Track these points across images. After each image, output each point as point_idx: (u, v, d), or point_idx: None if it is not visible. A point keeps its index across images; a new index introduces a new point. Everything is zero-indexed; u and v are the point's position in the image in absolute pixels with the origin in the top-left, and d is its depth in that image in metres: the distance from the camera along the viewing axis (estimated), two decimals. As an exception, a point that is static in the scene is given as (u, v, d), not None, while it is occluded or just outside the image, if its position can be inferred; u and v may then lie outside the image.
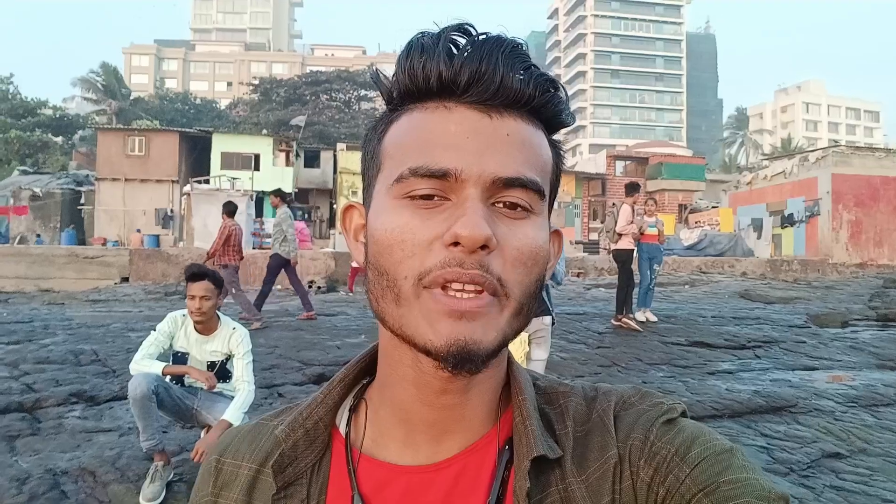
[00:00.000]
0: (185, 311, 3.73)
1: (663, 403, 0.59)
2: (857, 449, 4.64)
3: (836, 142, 55.72)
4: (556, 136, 0.62)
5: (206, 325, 3.70)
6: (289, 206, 9.88)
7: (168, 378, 3.61)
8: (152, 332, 3.74)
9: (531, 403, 0.60)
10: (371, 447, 0.61)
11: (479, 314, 0.52)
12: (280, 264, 9.49)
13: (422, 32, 0.57)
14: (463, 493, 0.57)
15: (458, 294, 0.52)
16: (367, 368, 0.66)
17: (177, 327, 3.72)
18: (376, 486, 0.59)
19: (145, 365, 3.56)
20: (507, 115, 0.56)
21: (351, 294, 15.98)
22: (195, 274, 3.67)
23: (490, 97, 0.55)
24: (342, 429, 0.63)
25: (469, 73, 0.54)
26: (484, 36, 0.56)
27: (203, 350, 3.72)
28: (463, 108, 0.55)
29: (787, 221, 25.71)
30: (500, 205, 0.55)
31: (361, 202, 0.64)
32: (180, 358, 3.73)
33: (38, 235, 29.45)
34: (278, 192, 9.74)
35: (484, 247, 0.51)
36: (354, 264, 16.77)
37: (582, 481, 0.56)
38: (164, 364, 3.63)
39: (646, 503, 0.55)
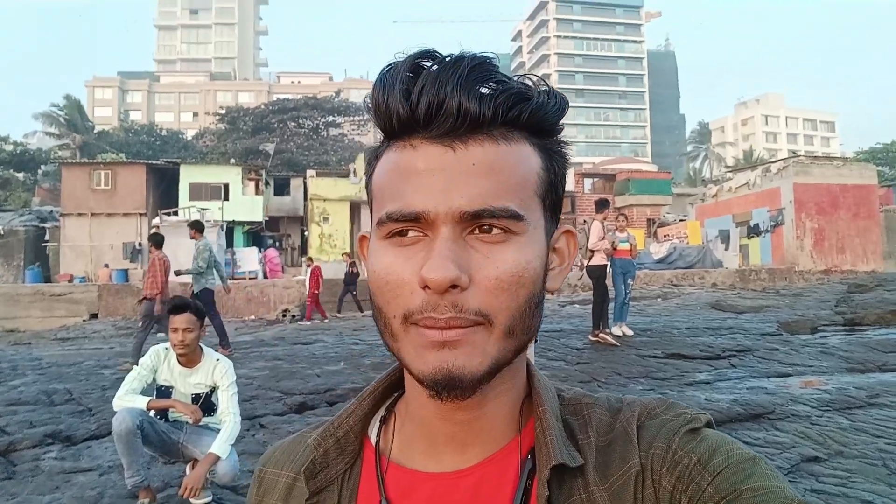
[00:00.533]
0: (168, 345, 3.69)
1: (687, 413, 0.60)
2: (835, 452, 4.72)
3: (796, 152, 57.12)
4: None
5: (189, 358, 3.67)
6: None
7: (152, 413, 3.57)
8: (135, 366, 3.70)
9: (552, 414, 0.61)
10: (398, 456, 0.64)
11: (460, 342, 0.53)
12: (211, 298, 9.18)
13: (389, 65, 0.57)
14: (486, 500, 0.59)
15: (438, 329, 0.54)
16: (398, 382, 0.69)
17: (160, 361, 3.68)
18: (403, 492, 0.61)
19: (129, 400, 3.52)
20: (473, 143, 0.55)
21: (307, 322, 15.92)
22: (177, 306, 3.65)
23: (451, 129, 0.54)
24: (373, 438, 0.66)
25: (426, 107, 0.54)
26: (443, 61, 0.55)
27: (187, 383, 3.68)
28: (427, 145, 0.55)
29: (753, 231, 26.23)
30: (477, 230, 0.55)
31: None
32: (164, 392, 3.68)
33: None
34: (194, 224, 9.43)
35: (455, 286, 0.52)
36: (315, 291, 16.66)
37: (605, 490, 0.57)
38: (149, 398, 3.59)
39: None
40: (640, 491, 0.56)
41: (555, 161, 0.61)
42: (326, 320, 15.97)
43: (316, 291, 16.47)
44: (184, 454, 3.72)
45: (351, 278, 18.52)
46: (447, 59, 0.55)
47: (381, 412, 0.68)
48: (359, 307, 18.34)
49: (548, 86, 0.58)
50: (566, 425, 0.62)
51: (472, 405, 0.59)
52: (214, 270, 9.32)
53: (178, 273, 9.12)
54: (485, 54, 0.56)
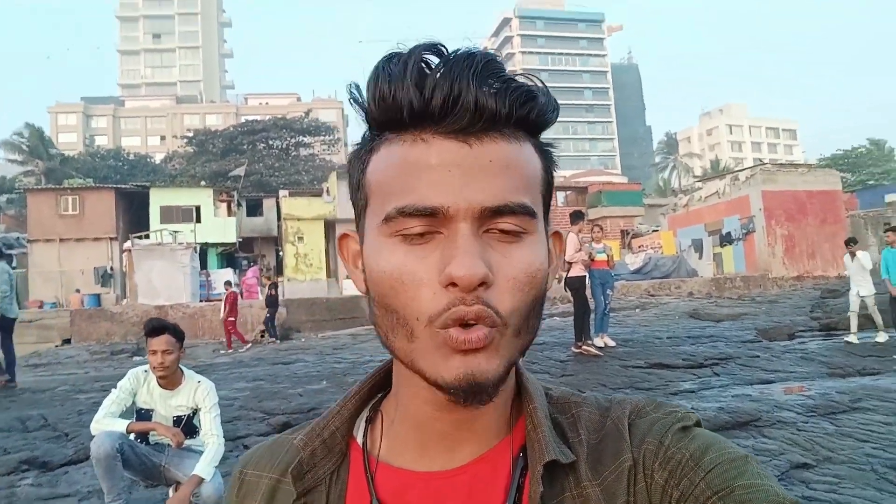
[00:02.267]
0: (147, 367, 3.59)
1: (678, 412, 0.60)
2: (823, 458, 4.76)
3: (761, 160, 58.27)
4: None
5: (169, 380, 3.57)
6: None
7: (132, 436, 3.47)
8: (112, 390, 3.59)
9: (542, 412, 0.61)
10: (388, 455, 0.62)
11: (484, 347, 0.53)
12: (10, 326, 8.72)
13: (388, 55, 0.56)
14: (479, 498, 0.58)
15: (465, 329, 0.52)
16: (382, 383, 0.68)
17: (139, 384, 3.58)
18: (394, 491, 0.60)
19: (107, 423, 3.42)
20: (487, 139, 0.54)
21: (230, 351, 15.38)
22: (155, 328, 3.55)
23: (467, 124, 0.53)
24: (359, 439, 0.65)
25: (441, 100, 0.52)
26: (453, 56, 0.54)
27: (168, 405, 3.59)
28: (440, 139, 0.54)
29: (726, 240, 26.55)
30: (493, 230, 0.54)
31: (355, 230, 0.63)
32: (144, 415, 3.59)
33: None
34: None
35: (482, 283, 0.52)
36: (230, 318, 16.08)
37: (597, 485, 0.57)
38: (128, 421, 3.49)
39: None
40: (632, 486, 0.56)
41: (549, 161, 0.61)
42: (248, 346, 15.72)
43: (231, 318, 16.12)
44: (166, 477, 3.63)
45: (272, 300, 17.82)
46: (457, 53, 0.54)
47: (367, 412, 0.67)
48: (273, 333, 17.52)
49: (542, 84, 0.58)
50: (555, 423, 0.62)
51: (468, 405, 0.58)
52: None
53: None
54: (490, 51, 0.56)
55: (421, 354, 0.54)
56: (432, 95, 0.52)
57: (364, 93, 0.58)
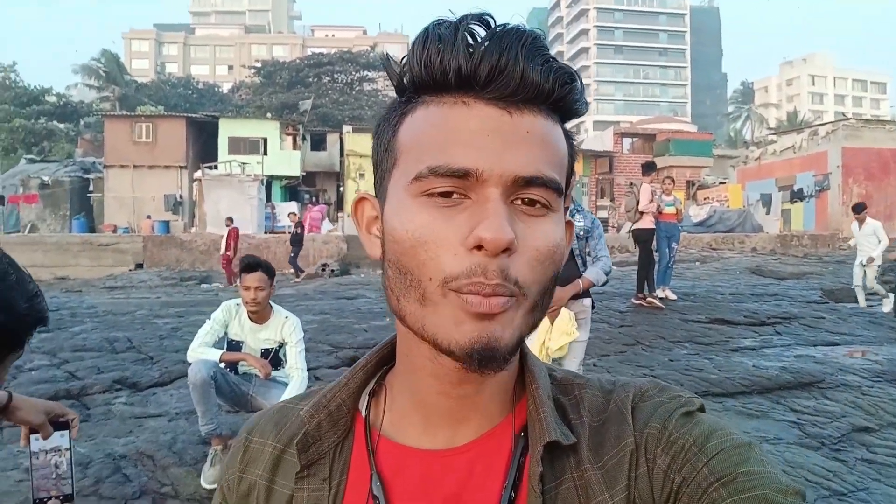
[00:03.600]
0: (239, 301, 3.82)
1: (682, 397, 0.60)
2: (886, 423, 4.72)
3: (844, 114, 55.26)
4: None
5: (259, 315, 3.79)
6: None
7: (223, 365, 3.72)
8: (206, 320, 3.84)
9: (545, 392, 0.61)
10: (390, 430, 0.63)
11: (500, 314, 0.53)
12: None
13: (437, 21, 0.56)
14: (479, 478, 0.59)
15: (484, 297, 0.52)
16: (389, 356, 0.67)
17: (231, 316, 3.82)
18: (396, 468, 0.61)
19: (202, 352, 3.67)
20: (527, 111, 0.55)
21: (232, 287, 14.63)
22: (249, 265, 3.75)
23: (510, 93, 0.54)
24: (363, 412, 0.65)
25: (489, 67, 0.53)
26: (503, 27, 0.54)
27: (257, 338, 3.82)
28: (482, 105, 0.54)
29: (797, 196, 25.68)
30: (519, 202, 0.55)
31: (374, 194, 0.63)
32: (235, 346, 3.83)
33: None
34: None
35: (506, 249, 0.52)
36: (228, 253, 15.51)
37: (598, 468, 0.57)
38: (221, 351, 3.73)
39: (661, 490, 0.55)
40: (633, 469, 0.57)
41: (572, 148, 0.61)
42: (232, 287, 14.81)
43: (230, 254, 15.52)
44: (253, 405, 3.87)
45: (296, 239, 17.32)
46: (506, 26, 0.55)
47: (372, 385, 0.67)
48: (297, 270, 17.16)
49: (576, 73, 0.58)
50: (557, 404, 0.62)
51: (475, 379, 0.58)
52: None
53: None
54: (536, 30, 0.56)
55: (433, 319, 0.54)
56: (481, 61, 0.53)
57: (402, 59, 0.58)
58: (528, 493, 0.56)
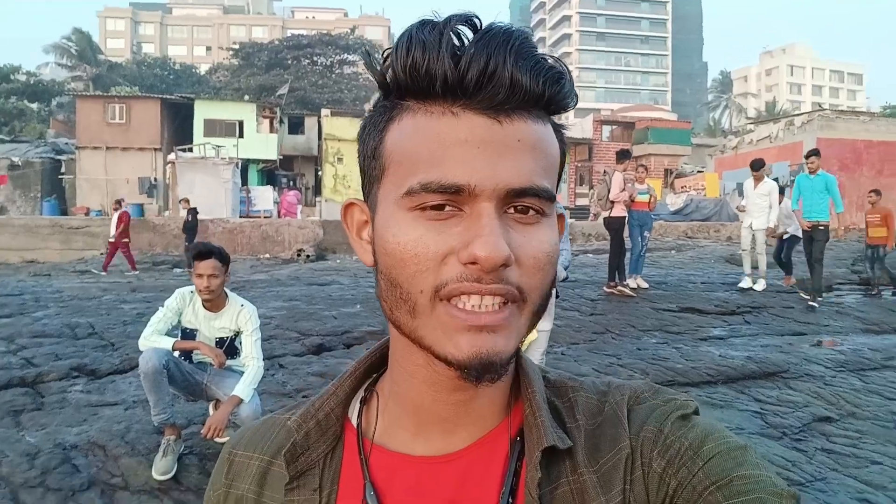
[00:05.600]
0: (193, 288, 3.72)
1: (677, 399, 0.60)
2: (847, 413, 4.78)
3: (820, 105, 55.92)
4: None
5: (214, 303, 3.70)
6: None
7: (177, 353, 3.63)
8: (160, 308, 3.74)
9: (540, 396, 0.60)
10: (383, 438, 0.62)
11: (500, 326, 0.52)
12: None
13: (422, 22, 0.54)
14: (474, 484, 0.58)
15: (477, 307, 0.52)
16: (378, 362, 0.67)
17: (185, 304, 3.73)
18: (388, 475, 0.60)
19: (154, 340, 3.58)
20: (517, 118, 0.53)
21: (104, 274, 14.31)
22: (202, 252, 3.66)
23: (500, 101, 0.52)
24: (354, 420, 0.64)
25: (476, 75, 0.51)
26: (489, 29, 0.53)
27: (211, 327, 3.73)
28: (471, 114, 0.52)
29: (772, 186, 25.87)
30: (513, 210, 0.54)
31: (362, 198, 0.62)
32: (189, 334, 3.74)
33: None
34: None
35: (503, 265, 0.51)
36: (111, 239, 15.05)
37: (594, 472, 0.57)
38: (174, 339, 3.64)
39: (657, 494, 0.55)
40: (629, 473, 0.56)
41: (563, 143, 0.60)
42: (135, 272, 14.62)
43: (125, 240, 15.14)
44: (207, 394, 3.80)
45: (189, 227, 16.93)
46: (493, 27, 0.53)
47: (362, 393, 0.66)
48: (190, 263, 16.77)
49: (566, 67, 0.56)
50: (552, 407, 0.61)
51: (469, 385, 0.56)
52: None
53: None
54: (524, 28, 0.54)
55: (427, 331, 0.54)
56: (468, 68, 0.51)
57: (382, 57, 0.56)
58: (524, 498, 0.56)
